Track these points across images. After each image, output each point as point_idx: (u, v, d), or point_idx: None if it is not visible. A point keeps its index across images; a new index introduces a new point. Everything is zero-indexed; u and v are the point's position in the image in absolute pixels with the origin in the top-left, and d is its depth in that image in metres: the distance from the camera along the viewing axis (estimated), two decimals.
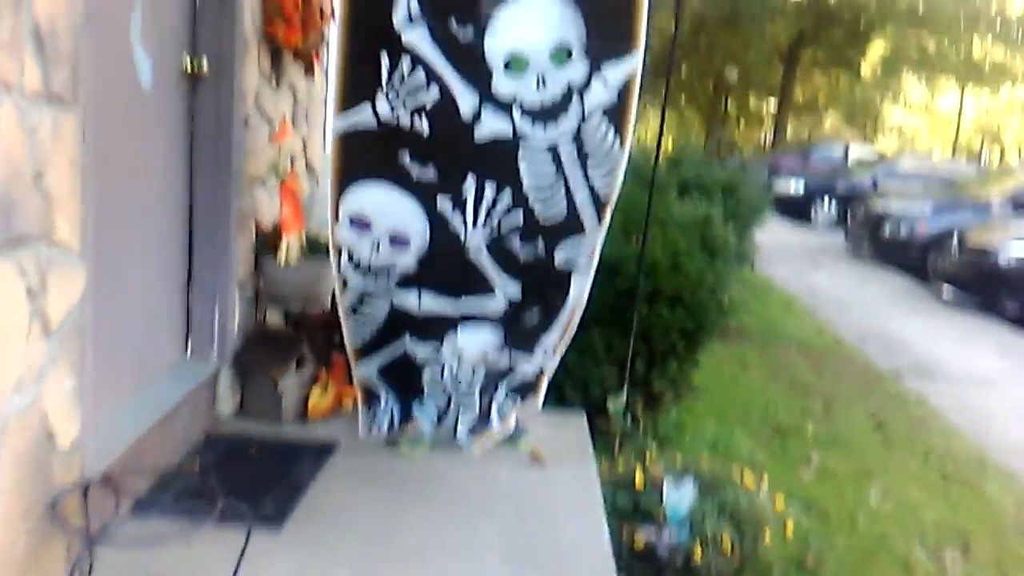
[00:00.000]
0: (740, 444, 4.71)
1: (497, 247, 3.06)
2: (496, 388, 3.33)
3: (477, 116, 2.86)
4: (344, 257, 3.07)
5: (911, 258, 11.87)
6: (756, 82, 29.26)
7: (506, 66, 2.82)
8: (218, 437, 3.22)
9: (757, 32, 26.18)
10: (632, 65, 2.82)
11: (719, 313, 4.85)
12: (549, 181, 2.94)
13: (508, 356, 3.24)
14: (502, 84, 2.83)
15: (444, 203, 2.99)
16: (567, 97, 2.85)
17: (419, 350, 3.19)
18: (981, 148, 35.12)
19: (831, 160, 21.30)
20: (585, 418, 3.79)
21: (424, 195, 2.99)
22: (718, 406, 5.32)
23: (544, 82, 2.82)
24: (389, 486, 2.96)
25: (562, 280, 3.13)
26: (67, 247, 2.16)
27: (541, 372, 3.35)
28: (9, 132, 1.87)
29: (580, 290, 3.16)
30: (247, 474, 2.93)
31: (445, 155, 2.94)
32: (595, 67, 2.82)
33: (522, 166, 2.92)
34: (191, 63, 3.09)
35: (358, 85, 2.87)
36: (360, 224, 3.03)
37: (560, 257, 3.09)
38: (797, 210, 17.00)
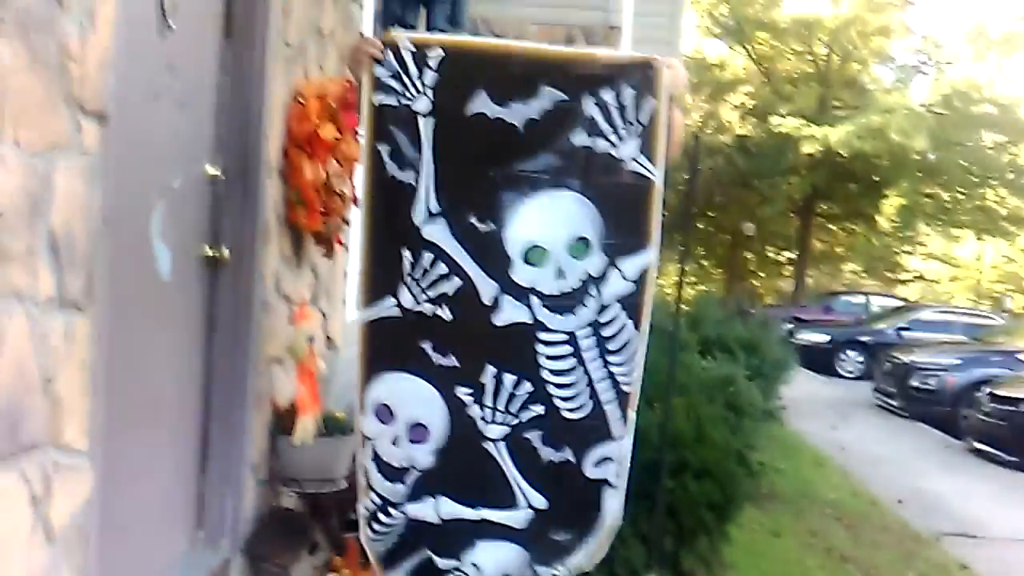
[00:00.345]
0: None
1: (517, 442, 2.95)
2: None
3: (497, 304, 2.86)
4: (369, 452, 2.99)
5: (941, 410, 11.66)
6: (772, 235, 29.69)
7: (525, 257, 2.85)
8: None
9: (771, 188, 26.76)
10: (647, 258, 2.85)
11: (749, 480, 4.72)
12: (569, 369, 2.90)
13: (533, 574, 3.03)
14: (521, 274, 2.86)
15: (463, 391, 2.94)
16: (585, 288, 2.85)
17: (441, 563, 3.03)
18: (1003, 295, 35.05)
19: (853, 310, 21.30)
20: None
21: (444, 383, 2.94)
22: None
23: (562, 273, 2.85)
24: None
25: (594, 495, 2.96)
26: (74, 448, 2.12)
27: None
28: (20, 342, 1.86)
29: (614, 508, 2.98)
30: None
31: (465, 342, 2.92)
32: (612, 261, 2.84)
33: (541, 355, 2.90)
34: (212, 251, 3.12)
35: (381, 281, 2.89)
36: (383, 415, 2.98)
37: (590, 466, 2.94)
38: (822, 362, 16.84)
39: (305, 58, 3.75)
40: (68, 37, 2.00)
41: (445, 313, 2.87)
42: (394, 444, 2.96)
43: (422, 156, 2.81)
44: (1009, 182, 25.87)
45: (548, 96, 2.78)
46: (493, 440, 2.93)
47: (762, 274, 33.93)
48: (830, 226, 30.65)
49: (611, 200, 2.82)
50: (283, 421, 3.52)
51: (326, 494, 3.61)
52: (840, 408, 12.96)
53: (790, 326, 17.81)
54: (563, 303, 2.85)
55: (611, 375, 2.89)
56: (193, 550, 3.18)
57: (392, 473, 2.98)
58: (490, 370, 2.90)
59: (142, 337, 2.68)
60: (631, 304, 2.85)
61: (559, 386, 2.89)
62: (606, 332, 2.87)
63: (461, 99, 2.80)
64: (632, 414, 2.94)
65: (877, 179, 26.35)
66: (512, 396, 2.89)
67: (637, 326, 2.87)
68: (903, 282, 33.84)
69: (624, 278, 2.83)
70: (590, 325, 2.86)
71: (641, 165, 2.77)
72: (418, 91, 2.80)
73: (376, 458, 2.98)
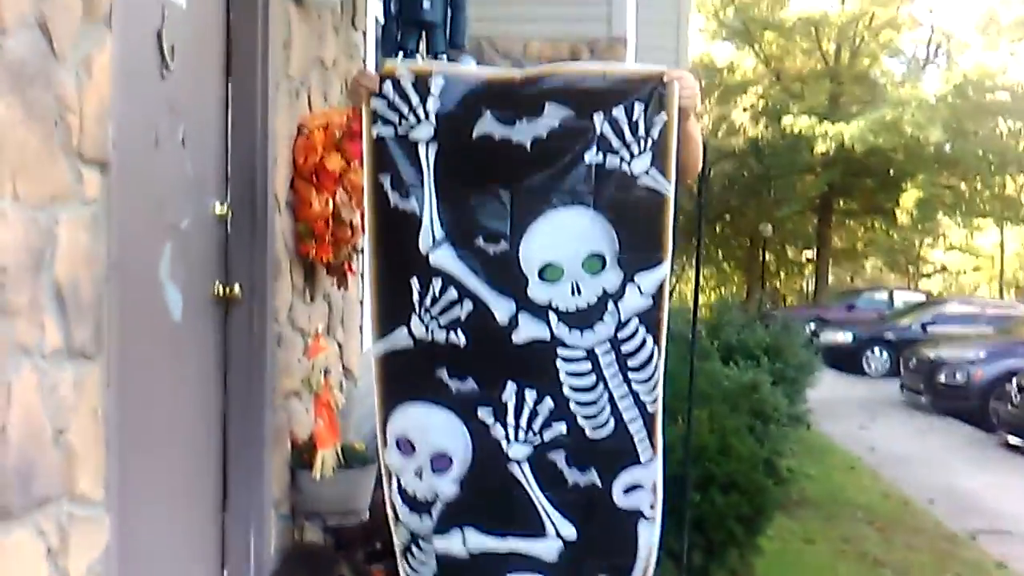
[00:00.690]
0: None
1: (541, 464, 2.90)
2: None
3: (514, 322, 2.84)
4: (395, 486, 2.96)
5: (970, 405, 11.52)
6: (791, 234, 29.52)
7: (540, 275, 2.83)
8: None
9: (787, 188, 26.62)
10: (663, 272, 2.82)
11: (778, 489, 4.66)
12: (590, 386, 2.86)
13: None
14: (537, 291, 2.84)
15: (485, 414, 2.90)
16: (602, 304, 2.83)
17: None
18: None
19: (877, 307, 21.12)
20: None
21: (464, 408, 2.91)
22: None
23: (579, 289, 2.82)
24: None
25: (627, 526, 2.89)
26: (90, 499, 2.11)
27: None
28: (28, 396, 1.86)
29: (650, 541, 2.90)
30: None
31: (483, 364, 2.89)
32: (629, 276, 2.81)
33: (561, 371, 2.86)
34: (223, 289, 3.12)
35: (393, 313, 2.88)
36: (405, 447, 2.95)
37: (619, 493, 2.88)
38: (847, 360, 16.69)
39: (308, 90, 3.76)
40: (64, 88, 2.00)
41: (460, 338, 2.86)
42: (418, 476, 2.93)
43: (424, 184, 2.81)
44: None
45: (555, 114, 2.76)
46: (517, 461, 2.88)
47: (782, 274, 33.76)
48: (849, 223, 30.46)
49: (625, 216, 2.80)
50: (302, 455, 3.51)
51: (349, 526, 3.59)
52: (868, 407, 12.83)
53: (813, 326, 17.67)
54: (581, 319, 2.82)
55: (633, 393, 2.85)
56: None
57: (417, 506, 2.96)
58: (511, 387, 2.87)
59: (155, 380, 2.68)
60: (650, 320, 2.82)
61: (581, 403, 2.85)
62: (626, 348, 2.83)
63: (466, 122, 2.79)
64: (659, 437, 2.88)
65: (893, 173, 26.15)
66: (535, 413, 2.86)
67: (656, 341, 2.84)
68: (926, 275, 33.60)
69: (642, 293, 2.81)
70: (609, 341, 2.83)
71: (654, 180, 2.75)
72: (419, 119, 2.80)
73: (402, 491, 2.96)
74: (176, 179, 2.81)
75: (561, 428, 2.86)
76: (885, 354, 16.81)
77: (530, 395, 2.87)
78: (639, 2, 7.39)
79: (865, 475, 8.49)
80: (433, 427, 2.91)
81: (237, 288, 3.17)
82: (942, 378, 12.13)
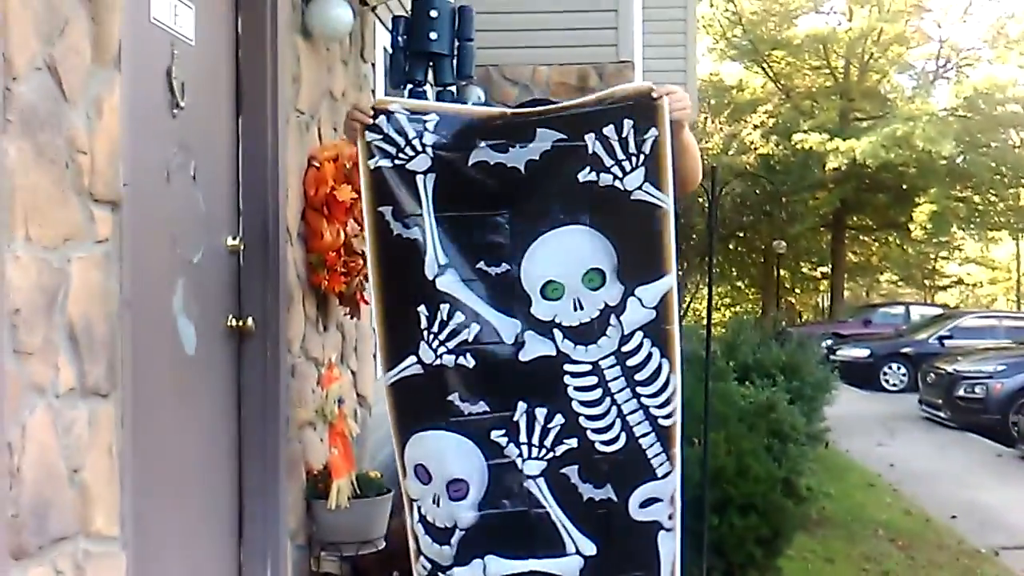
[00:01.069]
0: None
1: (556, 479, 2.90)
2: None
3: (521, 341, 2.87)
4: (416, 514, 2.96)
5: (989, 419, 11.42)
6: (805, 251, 29.43)
7: (543, 293, 2.87)
8: None
9: (799, 204, 26.57)
10: (666, 285, 2.83)
11: (798, 508, 4.62)
12: (597, 399, 2.87)
13: None
14: (541, 309, 2.87)
15: (497, 435, 2.91)
16: (604, 318, 2.85)
17: None
18: None
19: (894, 322, 21.00)
20: None
21: (476, 431, 2.92)
22: None
23: (581, 305, 2.85)
24: None
25: (646, 540, 2.88)
26: (105, 535, 2.12)
27: None
28: (42, 436, 1.88)
29: (672, 552, 2.89)
30: None
31: (493, 385, 2.91)
32: (629, 290, 2.84)
33: (569, 387, 2.88)
34: (236, 322, 3.14)
35: (400, 341, 2.90)
36: (422, 475, 2.96)
37: (635, 507, 2.87)
38: (864, 376, 16.57)
39: (318, 122, 3.79)
40: (75, 130, 2.03)
41: (468, 361, 2.88)
42: (436, 504, 2.93)
43: (424, 212, 2.85)
44: None
45: (546, 137, 2.81)
46: (533, 477, 2.89)
47: (797, 291, 33.62)
48: (863, 238, 30.36)
49: (622, 231, 2.83)
50: (318, 485, 3.51)
51: (365, 556, 3.59)
52: (886, 423, 12.72)
53: (830, 342, 17.57)
54: (584, 334, 2.85)
55: (644, 407, 2.85)
56: None
57: (438, 535, 2.95)
58: (521, 406, 2.89)
59: (169, 415, 2.69)
60: (655, 332, 2.83)
61: (589, 417, 2.86)
62: (631, 362, 2.84)
63: (462, 152, 2.84)
64: (677, 451, 2.87)
65: (906, 187, 26.10)
66: (546, 430, 2.87)
67: (665, 354, 2.84)
68: (942, 288, 33.39)
69: (643, 306, 2.83)
70: (613, 355, 2.85)
71: (648, 194, 2.78)
72: (416, 151, 2.84)
73: (423, 520, 2.96)
74: (188, 214, 2.83)
75: (572, 443, 2.87)
76: (903, 369, 16.70)
77: (540, 413, 2.88)
78: (646, 26, 7.43)
79: (885, 492, 8.41)
80: (447, 453, 2.91)
81: (250, 320, 3.19)
82: (961, 392, 12.03)
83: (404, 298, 2.88)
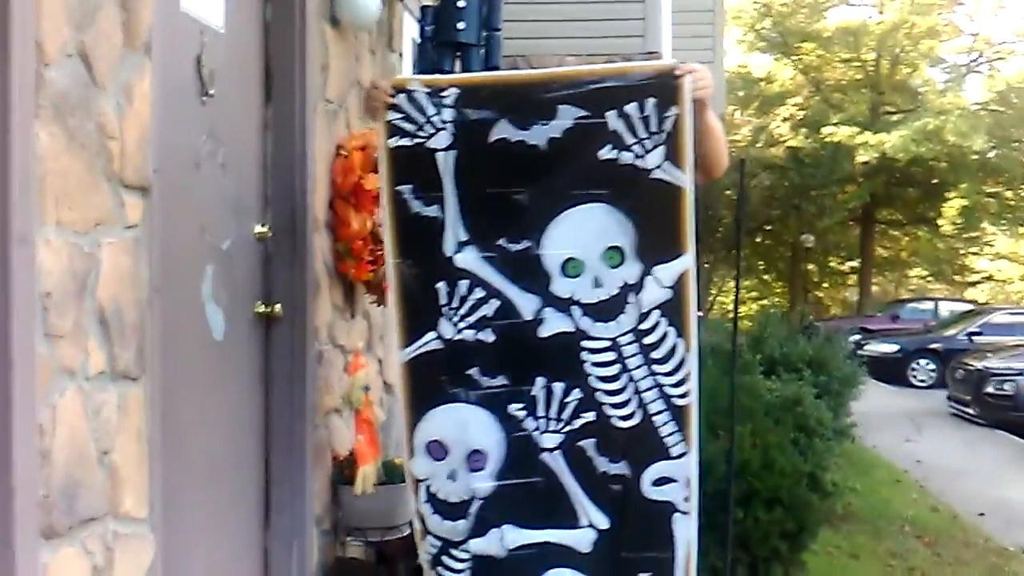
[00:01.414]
0: None
1: (573, 451, 2.93)
2: None
3: (540, 318, 2.89)
4: (423, 495, 2.98)
5: (1019, 416, 11.29)
6: (834, 245, 29.18)
7: (563, 270, 2.89)
8: None
9: (828, 198, 26.35)
10: (684, 264, 2.84)
11: (823, 503, 4.60)
12: (614, 375, 2.90)
13: None
14: (560, 286, 2.89)
15: (516, 408, 2.94)
16: (623, 296, 2.87)
17: None
18: None
19: (922, 317, 20.79)
20: None
21: (496, 404, 2.95)
22: None
23: (599, 282, 2.87)
24: None
25: (660, 519, 2.90)
26: (134, 517, 2.15)
27: None
28: (73, 418, 1.90)
29: (687, 535, 2.90)
30: None
31: (512, 360, 2.93)
32: (647, 269, 2.85)
33: (587, 362, 2.90)
34: (265, 308, 3.16)
35: (420, 318, 2.91)
36: (436, 452, 2.97)
37: (648, 486, 2.90)
38: (892, 372, 16.43)
39: (346, 111, 3.80)
40: (106, 116, 2.05)
41: (488, 336, 2.90)
42: (451, 479, 2.95)
43: (444, 190, 2.85)
44: None
45: (567, 114, 2.81)
46: (550, 450, 2.91)
47: (825, 285, 33.36)
48: (892, 232, 30.06)
49: (642, 209, 2.84)
50: (344, 471, 3.53)
51: (391, 542, 3.60)
52: (914, 419, 12.60)
53: (857, 337, 17.42)
54: (603, 311, 2.87)
55: (658, 385, 2.88)
56: None
57: (450, 511, 2.96)
58: (540, 381, 2.91)
59: (198, 399, 2.72)
60: (672, 311, 2.84)
61: (608, 392, 2.89)
62: (648, 340, 2.86)
63: (482, 128, 2.84)
64: (693, 432, 2.89)
65: (936, 182, 25.81)
66: (563, 404, 2.90)
67: (681, 334, 2.86)
68: (972, 284, 33.00)
69: (661, 285, 2.84)
70: (631, 332, 2.86)
71: (668, 173, 2.79)
72: (436, 128, 2.84)
73: (431, 499, 2.97)
74: (217, 202, 2.86)
75: (589, 416, 2.89)
76: (931, 365, 16.54)
77: (558, 388, 2.90)
78: (674, 17, 7.38)
79: (912, 488, 8.34)
80: (468, 425, 2.94)
81: (278, 307, 3.21)
82: (990, 389, 11.91)
83: (422, 275, 2.90)
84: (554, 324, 2.88)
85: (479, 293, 2.88)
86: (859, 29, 26.23)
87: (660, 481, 2.89)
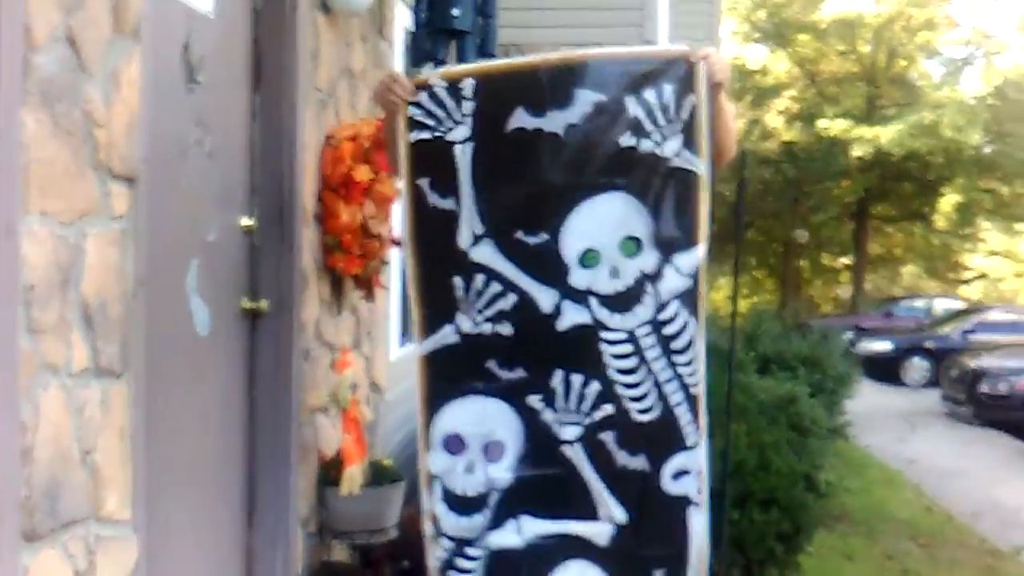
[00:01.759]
0: None
1: (592, 443, 2.90)
2: None
3: (558, 310, 2.87)
4: (437, 492, 2.92)
5: (1013, 416, 11.28)
6: (827, 241, 29.12)
7: (580, 261, 2.86)
8: None
9: (822, 193, 26.29)
10: (699, 253, 2.84)
11: (818, 504, 4.55)
12: (633, 367, 2.87)
13: None
14: (578, 277, 2.87)
15: (534, 400, 2.92)
16: (641, 286, 2.85)
17: None
18: None
19: (916, 315, 20.76)
20: None
21: (514, 396, 2.93)
22: None
23: (617, 272, 2.85)
24: None
25: (677, 513, 2.89)
26: (116, 519, 2.08)
27: None
28: (56, 415, 1.83)
29: (701, 529, 2.91)
30: None
31: (530, 353, 2.92)
32: (666, 257, 2.84)
33: (605, 354, 2.88)
34: (250, 303, 3.09)
35: (437, 311, 2.89)
36: (454, 445, 2.93)
37: (668, 479, 2.88)
38: (886, 370, 16.39)
39: (336, 100, 3.72)
40: (93, 103, 1.98)
41: (506, 329, 2.88)
42: (469, 472, 2.91)
43: (460, 183, 2.84)
44: None
45: (585, 99, 2.79)
46: (569, 442, 2.89)
47: (818, 282, 33.33)
48: (886, 228, 29.99)
49: (660, 197, 2.83)
50: (330, 472, 3.46)
51: (377, 544, 3.54)
52: (908, 418, 12.59)
53: (850, 335, 17.39)
54: (620, 302, 2.86)
55: (678, 376, 2.87)
56: None
57: (466, 507, 2.92)
58: (559, 373, 2.89)
59: (182, 396, 2.65)
60: (690, 301, 2.85)
61: (626, 385, 2.87)
62: (668, 330, 2.85)
63: (499, 118, 2.82)
64: (703, 421, 2.89)
65: (932, 177, 25.73)
66: (582, 396, 2.88)
67: (697, 323, 2.86)
68: (965, 282, 33.02)
69: (680, 274, 2.84)
70: (649, 323, 2.85)
71: (686, 160, 2.78)
72: (456, 122, 2.83)
73: (446, 496, 2.92)
74: (203, 192, 2.78)
75: (609, 409, 2.87)
76: (925, 363, 16.49)
77: (577, 380, 2.88)
78: (671, 6, 7.31)
79: (906, 489, 8.31)
80: (486, 416, 2.91)
81: (264, 302, 3.14)
82: (984, 388, 11.89)
83: (440, 268, 2.88)
84: (572, 316, 2.87)
85: (496, 287, 2.86)
86: (855, 21, 26.08)
87: (678, 474, 2.88)
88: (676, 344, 2.85)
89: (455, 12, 3.60)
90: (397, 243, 4.04)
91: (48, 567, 1.83)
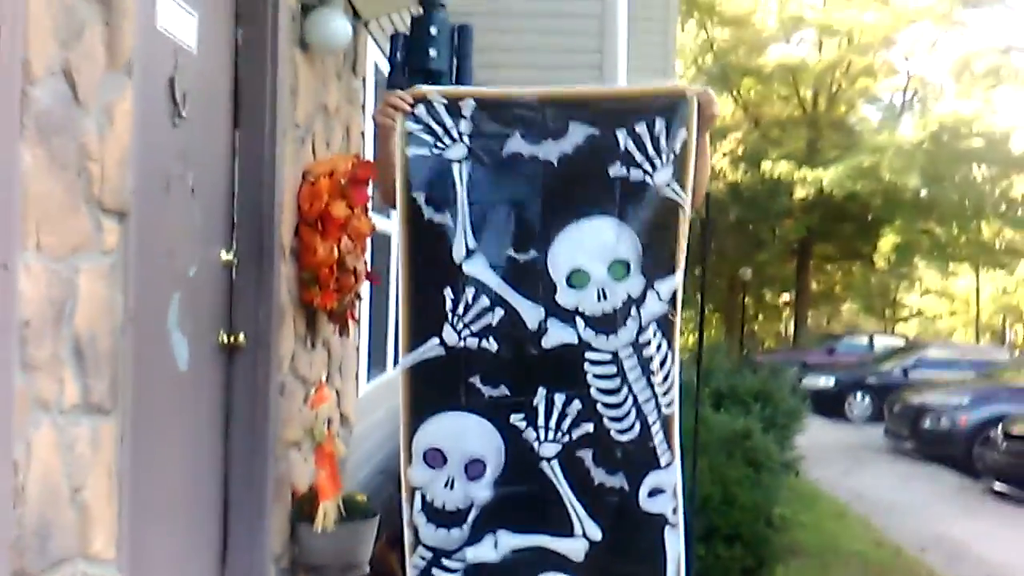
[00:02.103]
0: None
1: (570, 461, 2.92)
2: None
3: (544, 328, 2.91)
4: (417, 503, 2.91)
5: (955, 451, 11.52)
6: (770, 278, 29.63)
7: (568, 281, 2.92)
8: None
9: (767, 232, 26.77)
10: (677, 280, 2.93)
11: (776, 538, 4.61)
12: (615, 388, 2.92)
13: None
14: (565, 297, 2.92)
15: (516, 419, 2.94)
16: (626, 308, 2.92)
17: None
18: (1004, 327, 35.00)
19: (857, 351, 21.16)
20: None
21: (497, 414, 2.94)
22: None
23: (604, 295, 2.91)
24: None
25: (653, 533, 2.93)
26: (103, 559, 2.04)
27: None
28: (47, 454, 1.80)
29: (677, 549, 2.94)
30: None
31: (514, 370, 2.94)
32: (650, 283, 2.92)
33: (588, 374, 2.92)
34: (228, 337, 3.07)
35: (424, 322, 2.91)
36: (434, 459, 2.93)
37: (645, 497, 2.91)
38: (830, 406, 16.64)
39: (313, 136, 3.73)
40: (87, 136, 1.97)
41: (491, 345, 2.90)
42: (448, 487, 2.91)
43: (457, 198, 2.88)
44: (1002, 214, 25.90)
45: (579, 132, 2.88)
46: (548, 459, 2.92)
47: (760, 317, 33.86)
48: (827, 267, 30.65)
49: (647, 224, 2.92)
50: (303, 507, 3.43)
51: None
52: (852, 453, 12.80)
53: (797, 370, 17.65)
54: (606, 323, 2.91)
55: (655, 395, 2.92)
56: None
57: (446, 520, 2.92)
58: (541, 392, 2.92)
59: (162, 433, 2.62)
60: (666, 325, 2.92)
61: (607, 405, 2.91)
62: (647, 352, 2.91)
63: (497, 141, 2.90)
64: (676, 441, 2.94)
65: (871, 218, 26.40)
66: (563, 415, 2.91)
67: (670, 345, 2.94)
68: (902, 319, 33.80)
69: (660, 299, 2.92)
70: (631, 345, 2.91)
71: (673, 191, 2.88)
72: (453, 139, 2.89)
73: (425, 507, 2.92)
74: (185, 227, 2.77)
75: (589, 428, 2.90)
76: (867, 399, 16.80)
77: (559, 398, 2.92)
78: (628, 51, 7.46)
79: (856, 523, 8.43)
80: (467, 433, 2.92)
81: (242, 336, 3.12)
82: (927, 424, 12.13)
83: (431, 280, 2.91)
84: (557, 335, 2.91)
85: (484, 302, 2.89)
86: (798, 66, 26.81)
87: (653, 492, 2.92)
88: (654, 366, 2.91)
89: (432, 53, 3.64)
90: (371, 278, 4.06)
91: None
